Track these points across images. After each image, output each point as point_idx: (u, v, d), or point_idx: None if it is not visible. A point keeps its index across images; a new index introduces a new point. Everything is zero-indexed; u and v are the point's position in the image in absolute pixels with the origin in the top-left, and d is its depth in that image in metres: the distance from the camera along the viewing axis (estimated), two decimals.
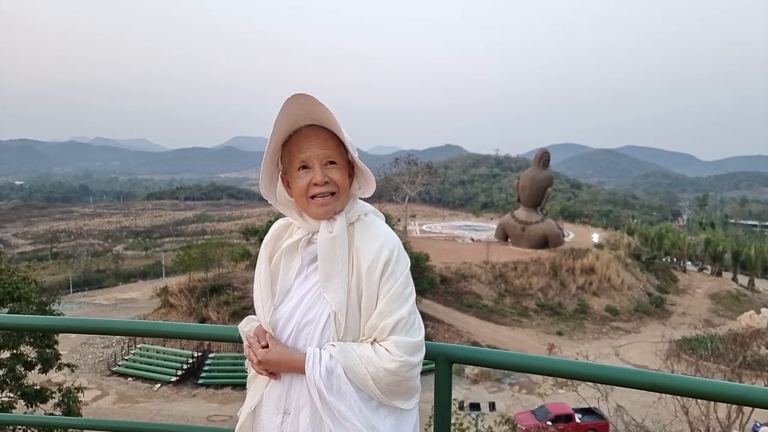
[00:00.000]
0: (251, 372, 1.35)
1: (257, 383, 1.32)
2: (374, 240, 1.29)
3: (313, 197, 1.28)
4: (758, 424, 17.74)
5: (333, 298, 1.25)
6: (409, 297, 1.27)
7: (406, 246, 30.29)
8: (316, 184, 1.27)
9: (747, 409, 11.82)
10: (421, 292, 28.67)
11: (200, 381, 23.47)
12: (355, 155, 1.30)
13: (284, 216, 1.40)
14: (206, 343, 24.98)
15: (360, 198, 1.39)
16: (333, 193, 1.29)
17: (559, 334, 30.54)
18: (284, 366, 1.25)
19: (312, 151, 1.27)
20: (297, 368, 1.24)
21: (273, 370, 1.27)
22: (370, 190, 1.37)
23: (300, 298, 1.29)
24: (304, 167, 1.28)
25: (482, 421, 14.45)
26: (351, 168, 1.34)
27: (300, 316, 1.27)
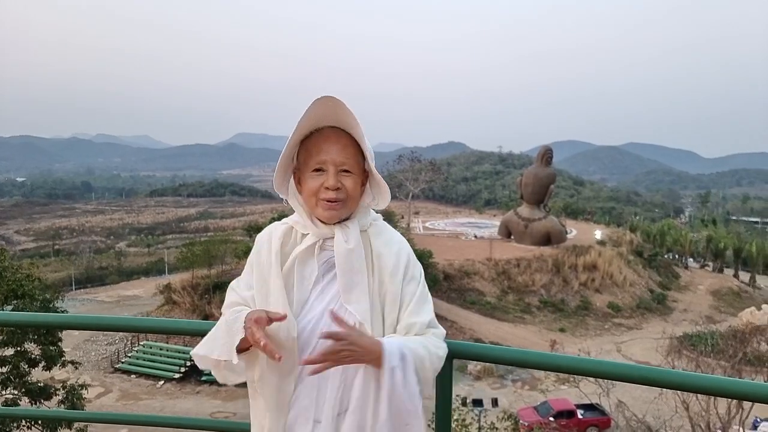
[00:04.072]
0: (265, 383, 1.24)
1: (279, 396, 1.23)
2: (392, 245, 1.33)
3: (322, 200, 1.28)
4: (758, 420, 17.77)
5: (357, 308, 1.25)
6: (428, 295, 1.35)
7: (410, 243, 30.31)
8: (327, 188, 1.27)
9: (747, 405, 11.84)
10: None
11: (203, 378, 23.55)
12: (373, 165, 1.31)
13: (282, 216, 1.41)
14: None
15: (374, 209, 1.40)
16: (341, 200, 1.28)
17: (562, 330, 30.57)
18: (359, 354, 1.14)
19: (330, 155, 1.27)
20: (371, 359, 1.16)
21: (334, 361, 1.14)
22: (384, 202, 1.37)
23: (321, 311, 1.25)
24: (319, 170, 1.28)
25: (485, 417, 14.48)
26: (364, 178, 1.34)
27: (324, 329, 1.21)
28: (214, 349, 1.24)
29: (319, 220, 1.31)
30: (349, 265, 1.27)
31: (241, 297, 1.32)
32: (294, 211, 1.38)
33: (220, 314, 1.31)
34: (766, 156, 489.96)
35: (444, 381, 1.55)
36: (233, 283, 1.36)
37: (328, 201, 1.27)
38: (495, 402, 18.65)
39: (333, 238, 1.30)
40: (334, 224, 1.31)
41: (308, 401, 1.23)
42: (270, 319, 1.16)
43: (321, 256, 1.30)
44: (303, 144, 1.31)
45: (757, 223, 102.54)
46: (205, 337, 1.28)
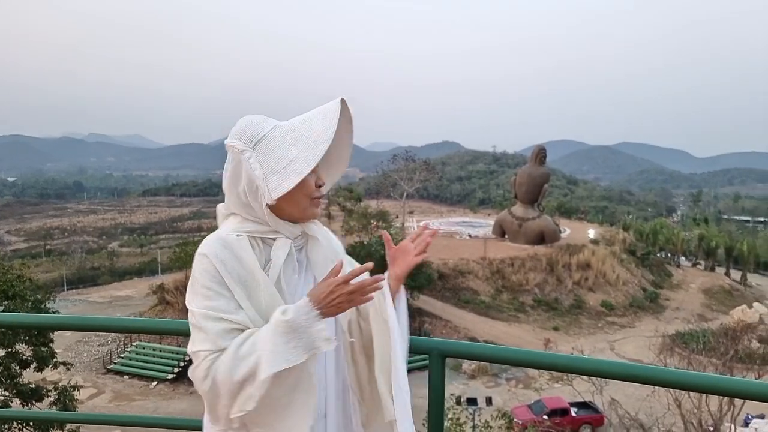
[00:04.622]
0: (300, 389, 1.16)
1: (304, 398, 1.16)
2: (331, 233, 1.43)
3: (316, 198, 1.30)
4: (750, 417, 17.95)
5: None
6: None
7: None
8: (320, 186, 1.31)
9: (738, 402, 11.95)
10: (419, 288, 28.84)
11: None
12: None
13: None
14: None
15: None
16: None
17: (555, 329, 30.73)
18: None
19: None
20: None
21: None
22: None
23: None
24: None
25: (479, 415, 14.51)
26: None
27: None
28: (288, 357, 1.09)
29: (289, 221, 1.28)
30: (327, 254, 1.33)
31: (236, 322, 1.15)
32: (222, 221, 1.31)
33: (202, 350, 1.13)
34: (757, 155, 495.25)
35: (435, 379, 1.56)
36: (211, 312, 1.15)
37: (319, 198, 1.31)
38: (489, 401, 18.73)
39: (299, 237, 1.31)
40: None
41: (319, 396, 1.23)
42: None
43: (296, 256, 1.31)
44: None
45: (748, 221, 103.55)
46: (260, 359, 1.09)
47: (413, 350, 1.64)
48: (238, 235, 1.22)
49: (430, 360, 1.54)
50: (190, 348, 1.15)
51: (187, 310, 1.21)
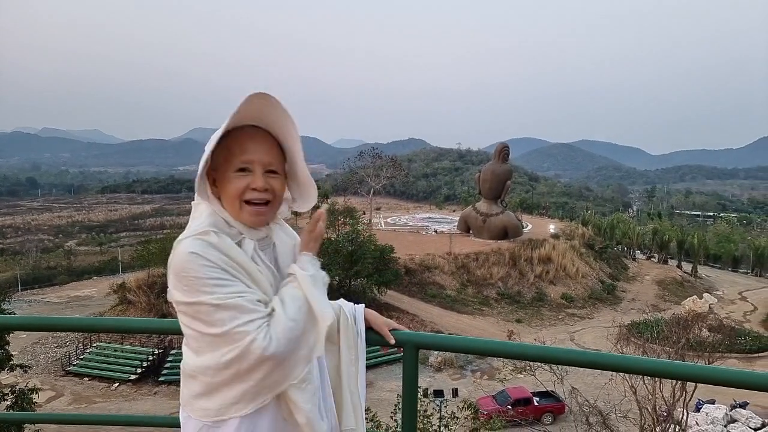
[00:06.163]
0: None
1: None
2: (292, 233, 1.42)
3: (247, 202, 1.23)
4: (701, 402, 18.97)
5: None
6: None
7: (372, 239, 30.57)
8: (255, 189, 1.22)
9: (690, 388, 12.62)
10: (386, 284, 29.04)
11: (161, 378, 23.03)
12: (305, 166, 1.30)
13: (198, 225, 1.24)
14: (167, 339, 24.48)
15: (298, 211, 1.40)
16: (268, 202, 1.25)
17: (518, 321, 31.51)
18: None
19: (256, 155, 1.22)
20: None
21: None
22: (309, 204, 1.37)
23: None
24: (243, 170, 1.22)
25: (446, 407, 14.77)
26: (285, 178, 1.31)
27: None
28: (326, 300, 1.26)
29: (241, 222, 1.25)
30: (290, 259, 1.33)
31: (257, 299, 1.17)
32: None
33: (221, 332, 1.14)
34: (707, 153, 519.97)
35: (409, 369, 1.61)
36: (236, 292, 1.15)
37: (256, 204, 1.24)
38: (455, 392, 19.04)
39: (264, 239, 1.30)
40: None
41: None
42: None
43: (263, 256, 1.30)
44: (221, 142, 1.22)
45: (698, 216, 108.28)
46: (314, 309, 1.21)
47: (389, 343, 1.74)
48: (217, 233, 1.19)
49: (405, 351, 1.59)
50: (220, 329, 1.11)
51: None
